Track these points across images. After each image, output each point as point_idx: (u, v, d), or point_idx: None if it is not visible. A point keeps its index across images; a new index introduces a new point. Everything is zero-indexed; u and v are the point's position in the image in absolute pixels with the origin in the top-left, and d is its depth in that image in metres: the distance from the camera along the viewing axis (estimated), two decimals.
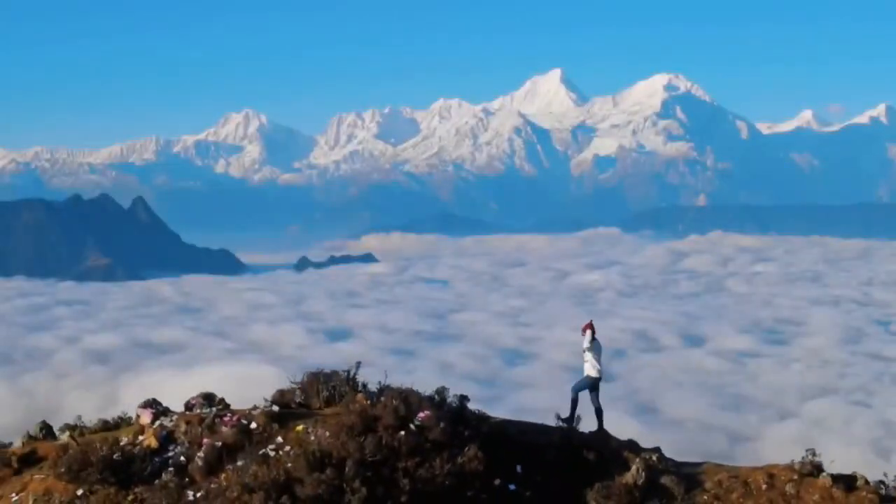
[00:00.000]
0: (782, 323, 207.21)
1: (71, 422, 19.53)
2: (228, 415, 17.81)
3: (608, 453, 17.92)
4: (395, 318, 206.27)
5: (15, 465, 17.83)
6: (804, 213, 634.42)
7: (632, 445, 18.49)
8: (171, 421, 17.96)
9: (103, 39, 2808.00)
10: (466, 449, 16.30)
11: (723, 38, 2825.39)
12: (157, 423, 17.95)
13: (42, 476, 17.16)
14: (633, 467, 17.23)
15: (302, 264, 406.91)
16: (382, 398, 17.58)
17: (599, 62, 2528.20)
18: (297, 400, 18.88)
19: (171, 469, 16.69)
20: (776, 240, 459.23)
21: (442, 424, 16.59)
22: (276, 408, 18.09)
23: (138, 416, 18.52)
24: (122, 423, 19.49)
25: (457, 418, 17.25)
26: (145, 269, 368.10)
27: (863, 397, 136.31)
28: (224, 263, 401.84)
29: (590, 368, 19.53)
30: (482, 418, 17.89)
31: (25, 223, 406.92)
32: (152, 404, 18.67)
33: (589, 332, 19.57)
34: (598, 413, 19.27)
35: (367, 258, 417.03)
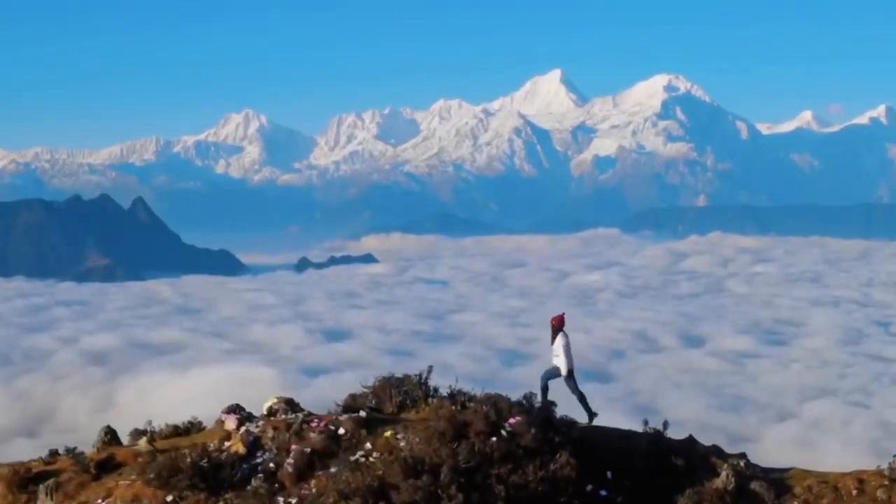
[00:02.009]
0: (782, 324, 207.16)
1: (128, 426, 19.59)
2: (315, 420, 17.76)
3: (696, 459, 17.84)
4: (395, 319, 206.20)
5: (93, 470, 17.77)
6: (804, 214, 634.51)
7: (718, 451, 18.48)
8: (258, 427, 17.90)
9: (103, 39, 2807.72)
10: (558, 455, 16.25)
11: (723, 39, 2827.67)
12: (243, 428, 17.87)
13: (128, 482, 17.10)
14: (723, 473, 17.13)
15: (302, 265, 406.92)
16: (472, 404, 17.60)
17: (599, 63, 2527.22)
18: (369, 405, 18.86)
19: (260, 475, 16.64)
20: (776, 240, 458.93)
21: (533, 430, 16.55)
22: (363, 413, 18.01)
23: (222, 422, 18.42)
24: (192, 427, 19.56)
25: (546, 424, 17.21)
26: (145, 270, 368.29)
27: (862, 398, 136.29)
28: (224, 264, 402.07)
29: (561, 363, 18.98)
30: (571, 424, 17.84)
31: (25, 223, 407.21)
32: (236, 409, 18.62)
33: (556, 326, 18.99)
34: (544, 391, 18.91)
35: (368, 259, 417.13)
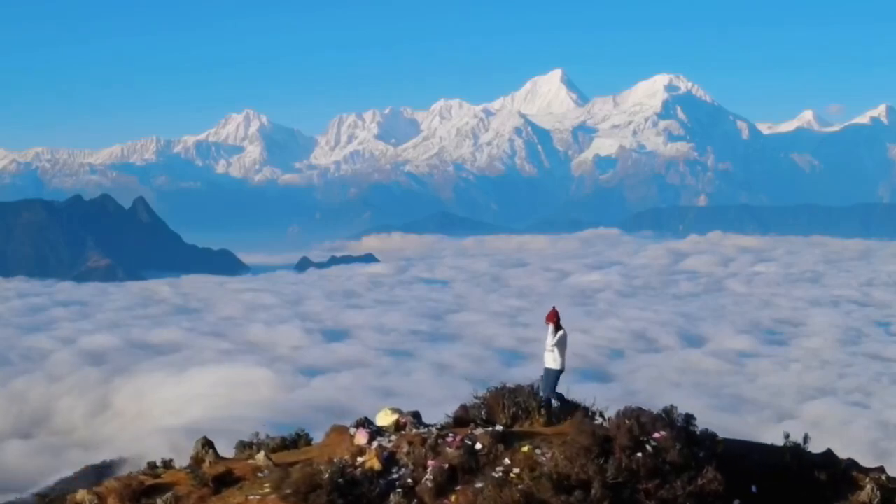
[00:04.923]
0: (782, 323, 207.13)
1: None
2: (451, 435, 17.59)
3: (837, 473, 17.81)
4: (394, 319, 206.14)
5: (211, 484, 17.62)
6: (804, 213, 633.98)
7: (856, 465, 18.47)
8: (390, 441, 17.73)
9: (104, 40, 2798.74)
10: (704, 470, 16.17)
11: (723, 39, 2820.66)
12: (375, 443, 17.71)
13: (258, 496, 16.97)
14: (867, 487, 17.10)
15: (303, 264, 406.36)
16: (614, 418, 17.56)
17: (600, 62, 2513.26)
18: (482, 416, 18.70)
19: (398, 491, 16.47)
20: (776, 240, 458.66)
21: (678, 445, 16.48)
22: (499, 427, 17.87)
23: (352, 436, 18.22)
24: (299, 439, 19.57)
25: (689, 438, 17.16)
26: (146, 270, 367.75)
27: (861, 398, 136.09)
28: (225, 264, 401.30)
29: (551, 361, 18.87)
30: (713, 438, 17.81)
31: (26, 224, 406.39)
32: (365, 424, 18.45)
33: (553, 322, 18.86)
34: (549, 403, 18.84)
35: (368, 258, 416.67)
